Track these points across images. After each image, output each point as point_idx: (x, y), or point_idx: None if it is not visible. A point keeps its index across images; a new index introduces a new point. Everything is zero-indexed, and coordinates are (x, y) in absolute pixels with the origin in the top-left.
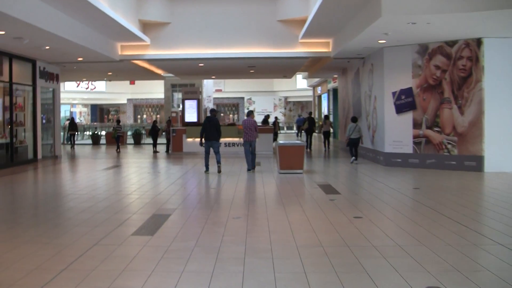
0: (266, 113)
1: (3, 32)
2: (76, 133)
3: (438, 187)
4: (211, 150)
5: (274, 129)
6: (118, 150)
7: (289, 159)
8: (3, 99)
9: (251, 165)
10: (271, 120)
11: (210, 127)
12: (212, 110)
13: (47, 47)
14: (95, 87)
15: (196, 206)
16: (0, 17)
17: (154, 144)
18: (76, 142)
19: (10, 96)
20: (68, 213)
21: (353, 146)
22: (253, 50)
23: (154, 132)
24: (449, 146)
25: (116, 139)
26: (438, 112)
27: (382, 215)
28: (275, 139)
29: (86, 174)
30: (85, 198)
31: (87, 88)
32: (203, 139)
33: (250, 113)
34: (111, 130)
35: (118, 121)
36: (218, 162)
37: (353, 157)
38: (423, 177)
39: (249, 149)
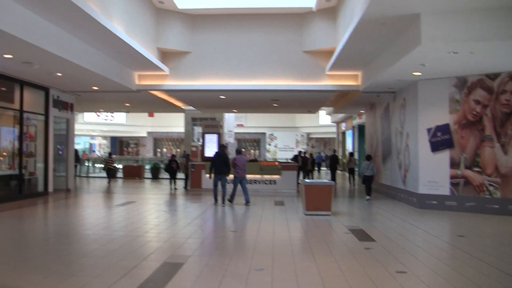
0: (288, 149)
1: (10, 56)
2: (77, 165)
3: (484, 235)
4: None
5: (306, 165)
6: (109, 182)
7: (316, 200)
8: (13, 128)
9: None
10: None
11: (220, 162)
12: (221, 146)
13: (59, 74)
14: (114, 118)
15: (214, 253)
16: (7, 39)
17: (172, 180)
18: (81, 174)
19: (21, 125)
20: (68, 258)
21: (368, 183)
22: (277, 82)
23: (171, 168)
24: (491, 188)
25: (107, 172)
26: (478, 151)
27: (429, 270)
28: (305, 176)
29: (97, 211)
30: (91, 239)
31: (106, 119)
32: (212, 174)
33: (240, 151)
34: (104, 162)
35: (110, 154)
36: (224, 196)
37: (367, 196)
38: (464, 222)
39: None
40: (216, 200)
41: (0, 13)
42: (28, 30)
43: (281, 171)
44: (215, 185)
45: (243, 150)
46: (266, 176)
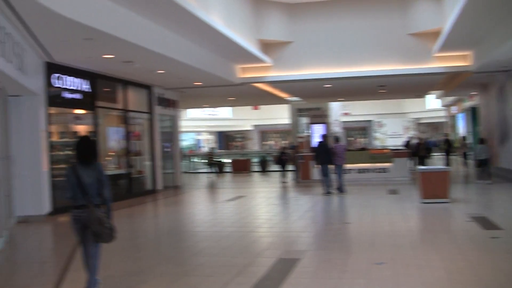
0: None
1: (112, 56)
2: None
3: None
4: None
5: (419, 151)
6: (214, 176)
7: (433, 187)
8: (119, 128)
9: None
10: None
11: (322, 152)
12: (323, 136)
13: (160, 71)
14: (218, 113)
15: (329, 247)
16: (108, 40)
17: (283, 173)
18: (189, 171)
19: (126, 125)
20: (181, 256)
21: (484, 167)
22: (382, 68)
23: (282, 160)
24: None
25: (210, 167)
26: None
27: None
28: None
29: (207, 207)
30: (203, 236)
31: (210, 115)
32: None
33: (338, 139)
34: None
35: (212, 149)
36: (328, 183)
37: (487, 180)
38: None
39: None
40: (326, 188)
41: (100, 14)
42: (127, 29)
43: (392, 158)
44: (325, 174)
45: (340, 137)
46: (377, 164)
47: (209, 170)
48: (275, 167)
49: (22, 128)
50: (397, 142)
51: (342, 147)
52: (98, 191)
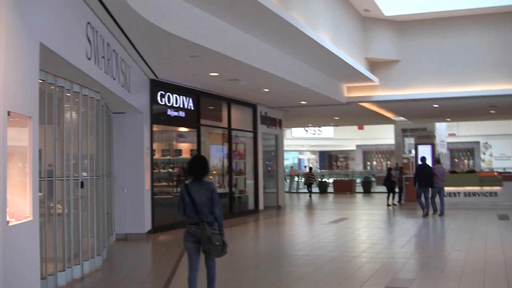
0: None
1: (216, 74)
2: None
3: None
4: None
5: None
6: (310, 196)
7: None
8: (222, 146)
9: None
10: None
11: (424, 174)
12: (422, 158)
13: (266, 90)
14: (321, 132)
15: (439, 276)
16: (213, 57)
17: (390, 194)
18: (291, 190)
19: (229, 143)
20: (283, 283)
21: None
22: (496, 87)
23: (389, 182)
24: None
25: (308, 186)
26: None
27: None
28: None
29: (309, 229)
30: (306, 261)
31: (314, 134)
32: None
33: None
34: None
35: (310, 168)
36: (426, 207)
37: None
38: None
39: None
40: (423, 210)
41: (206, 31)
42: (233, 47)
43: (502, 181)
44: (419, 196)
45: (441, 159)
46: (486, 188)
47: (307, 190)
48: (378, 189)
49: (125, 145)
50: (505, 165)
51: (442, 169)
52: (211, 210)
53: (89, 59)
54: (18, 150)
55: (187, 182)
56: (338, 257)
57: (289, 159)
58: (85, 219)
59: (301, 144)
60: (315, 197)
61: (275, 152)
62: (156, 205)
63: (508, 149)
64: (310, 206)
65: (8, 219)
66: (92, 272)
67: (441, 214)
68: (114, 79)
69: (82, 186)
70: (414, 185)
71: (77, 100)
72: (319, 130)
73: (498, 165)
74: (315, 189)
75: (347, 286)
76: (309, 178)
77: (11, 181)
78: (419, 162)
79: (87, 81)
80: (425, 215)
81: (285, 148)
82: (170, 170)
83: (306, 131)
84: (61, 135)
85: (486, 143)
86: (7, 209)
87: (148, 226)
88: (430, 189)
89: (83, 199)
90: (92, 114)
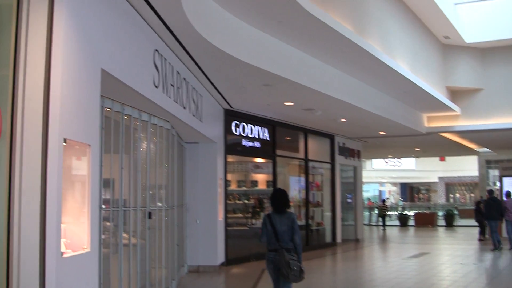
0: None
1: (291, 103)
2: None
3: None
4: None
5: None
6: (384, 229)
7: None
8: (300, 178)
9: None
10: None
11: (494, 207)
12: (490, 191)
13: (343, 120)
14: (401, 164)
15: None
16: (288, 86)
17: (481, 230)
18: (371, 223)
19: (306, 174)
20: None
21: None
22: None
23: (479, 213)
24: None
25: (382, 218)
26: None
27: None
28: None
29: (387, 263)
30: None
31: (394, 166)
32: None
33: (510, 194)
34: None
35: (384, 201)
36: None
37: None
38: None
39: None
40: (494, 245)
41: (279, 59)
42: (307, 75)
43: None
44: (493, 230)
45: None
46: None
47: (381, 223)
48: (461, 222)
49: (198, 176)
50: None
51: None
52: (290, 238)
53: (156, 87)
54: (79, 179)
55: (269, 212)
56: None
57: (369, 191)
58: (153, 250)
59: (381, 175)
60: (395, 230)
61: (354, 184)
62: (230, 236)
63: None
64: (389, 240)
65: (64, 250)
66: None
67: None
68: (184, 108)
69: (150, 217)
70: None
71: (149, 129)
72: (399, 161)
73: None
74: (390, 221)
75: None
76: (383, 210)
77: (70, 210)
78: (489, 195)
79: (155, 109)
80: (495, 249)
81: (365, 180)
82: (246, 201)
83: (386, 162)
84: (129, 164)
85: None
86: (64, 240)
87: (221, 258)
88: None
89: (151, 230)
90: (162, 144)
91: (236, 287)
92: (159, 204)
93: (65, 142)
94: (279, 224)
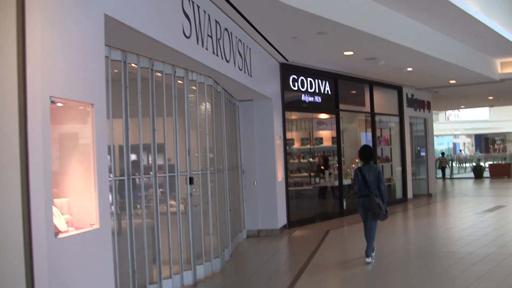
0: None
1: (351, 53)
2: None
3: None
4: None
5: None
6: (443, 180)
7: None
8: (366, 133)
9: None
10: None
11: None
12: None
13: (409, 69)
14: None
15: None
16: (344, 33)
17: None
18: (453, 176)
19: (373, 129)
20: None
21: None
22: None
23: None
24: None
25: (442, 170)
26: None
27: None
28: None
29: (461, 219)
30: (454, 260)
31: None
32: None
33: None
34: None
35: (443, 154)
36: None
37: None
38: None
39: None
40: None
41: (333, 3)
42: (366, 20)
43: None
44: None
45: None
46: None
47: (441, 174)
48: None
49: (254, 135)
50: None
51: None
52: (377, 186)
53: (187, 37)
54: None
55: (359, 165)
56: (492, 254)
57: (443, 144)
58: (197, 218)
59: (455, 128)
60: (469, 183)
61: (425, 137)
62: (293, 197)
63: None
64: (463, 193)
65: (65, 228)
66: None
67: None
68: (227, 61)
69: (191, 182)
70: None
71: (187, 86)
72: (474, 112)
73: None
74: (469, 174)
75: None
76: (442, 162)
77: (75, 183)
78: None
79: (191, 64)
80: None
81: (438, 133)
82: (311, 159)
83: (460, 113)
84: (163, 127)
85: None
86: (67, 217)
87: (282, 221)
88: None
89: (193, 196)
90: (204, 102)
91: (296, 251)
92: (198, 169)
93: (53, 102)
94: (368, 174)
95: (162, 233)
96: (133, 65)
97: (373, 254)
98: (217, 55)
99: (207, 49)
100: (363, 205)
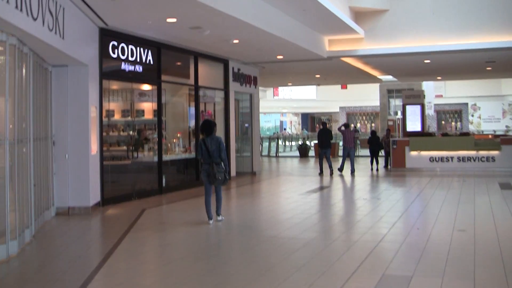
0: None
1: (174, 20)
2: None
3: None
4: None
5: None
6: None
7: None
8: (189, 107)
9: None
10: None
11: (322, 135)
12: (323, 123)
13: (235, 41)
14: (303, 94)
15: (445, 272)
16: None
17: (374, 160)
18: (280, 155)
19: (196, 102)
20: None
21: None
22: (496, 39)
23: (374, 145)
24: None
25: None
26: None
27: None
28: None
29: (285, 200)
30: (277, 245)
31: (294, 96)
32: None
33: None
34: None
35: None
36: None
37: None
38: None
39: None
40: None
41: None
42: None
43: (500, 145)
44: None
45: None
46: (482, 152)
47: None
48: (362, 152)
49: (68, 104)
50: (494, 127)
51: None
52: (219, 154)
53: None
54: None
55: (202, 137)
56: (314, 239)
57: (270, 121)
58: None
59: (282, 105)
60: (295, 162)
61: (250, 113)
62: (108, 172)
63: (497, 111)
64: (288, 172)
65: None
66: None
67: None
68: (34, 19)
69: None
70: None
71: None
72: (301, 91)
73: (487, 128)
74: (295, 152)
75: (327, 280)
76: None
77: None
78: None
79: None
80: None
81: (266, 110)
82: (131, 132)
83: (288, 92)
84: None
85: (475, 104)
86: None
87: (95, 197)
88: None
89: None
90: (5, 63)
91: (106, 233)
92: (2, 137)
93: None
94: (210, 144)
95: None
96: None
97: (220, 217)
98: (21, 10)
99: (8, 2)
100: (206, 171)
